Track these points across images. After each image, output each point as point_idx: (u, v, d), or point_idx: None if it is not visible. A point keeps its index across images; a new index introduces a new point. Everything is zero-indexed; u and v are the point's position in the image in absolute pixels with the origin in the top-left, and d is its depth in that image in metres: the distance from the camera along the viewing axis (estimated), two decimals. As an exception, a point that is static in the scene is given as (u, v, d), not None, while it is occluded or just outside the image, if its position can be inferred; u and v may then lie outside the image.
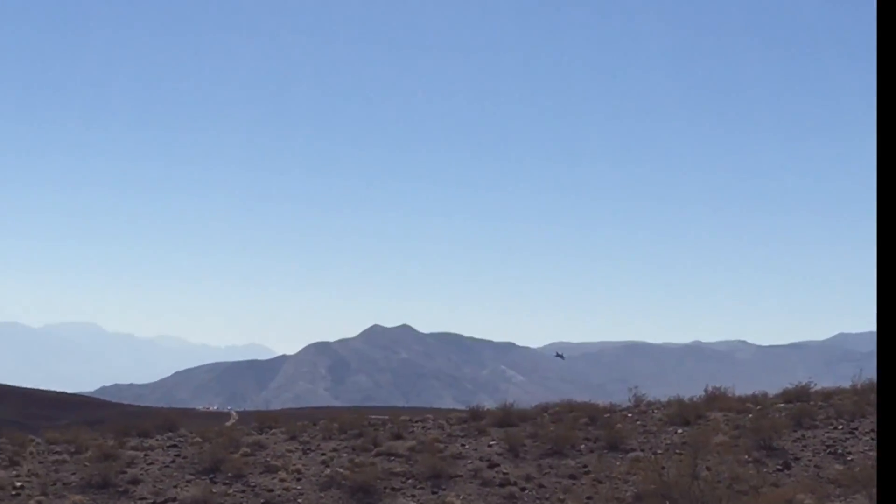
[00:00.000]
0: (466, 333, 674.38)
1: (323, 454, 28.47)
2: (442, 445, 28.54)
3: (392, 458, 27.42)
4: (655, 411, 33.12)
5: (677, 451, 25.83)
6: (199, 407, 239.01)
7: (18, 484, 25.56)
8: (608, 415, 32.99)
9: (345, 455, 28.17)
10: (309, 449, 29.54)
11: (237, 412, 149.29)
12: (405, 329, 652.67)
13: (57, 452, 30.51)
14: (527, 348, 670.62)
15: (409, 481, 24.82)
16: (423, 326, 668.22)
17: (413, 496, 23.60)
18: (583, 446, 27.73)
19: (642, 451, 26.78)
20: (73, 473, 26.68)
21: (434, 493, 23.78)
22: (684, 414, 30.72)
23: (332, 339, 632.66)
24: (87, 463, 27.70)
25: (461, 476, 25.09)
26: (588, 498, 22.39)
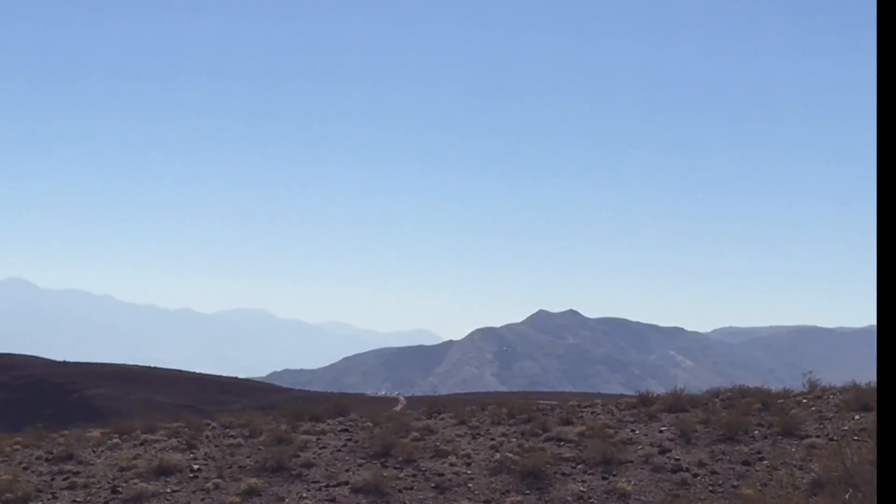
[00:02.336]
0: (633, 318, 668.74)
1: (492, 439, 28.42)
2: (612, 431, 28.23)
3: (562, 443, 27.23)
4: (831, 397, 32.22)
5: (855, 437, 25.09)
6: (368, 392, 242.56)
7: (196, 467, 26.10)
8: (782, 400, 32.24)
9: (514, 440, 28.07)
10: (478, 434, 29.53)
11: (405, 397, 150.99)
12: (571, 314, 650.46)
13: (232, 436, 31.12)
14: (695, 333, 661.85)
15: (580, 466, 24.58)
16: (590, 311, 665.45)
17: (583, 481, 23.34)
18: (756, 432, 27.12)
19: (818, 437, 26.07)
20: (248, 457, 27.12)
21: (604, 478, 23.48)
22: (862, 399, 29.76)
23: (498, 325, 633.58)
24: (261, 447, 28.15)
25: (632, 462, 24.75)
26: (763, 485, 21.82)
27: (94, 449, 30.40)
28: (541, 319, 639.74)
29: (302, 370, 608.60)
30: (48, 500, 23.92)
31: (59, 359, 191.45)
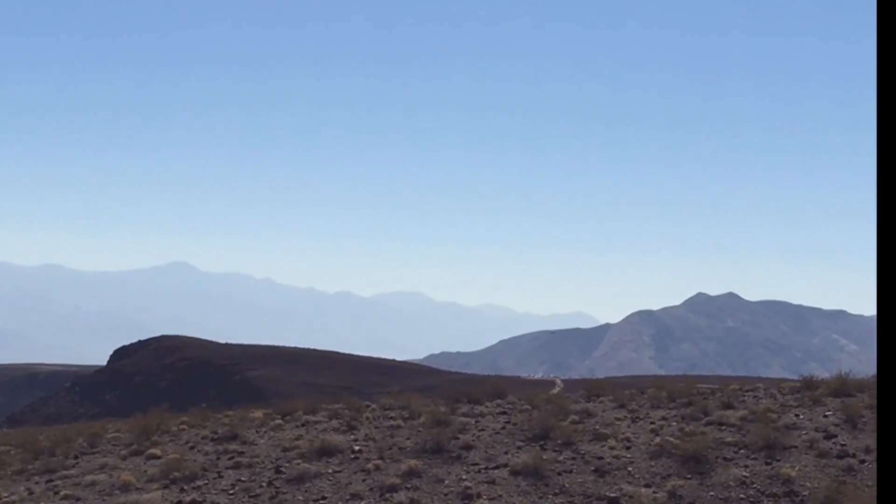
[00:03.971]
0: (794, 301, 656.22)
1: (652, 423, 28.07)
2: (775, 415, 27.60)
3: (723, 427, 26.75)
4: None
5: None
6: (525, 374, 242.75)
7: (357, 448, 26.33)
8: (953, 385, 31.18)
9: (674, 424, 27.68)
10: (637, 417, 29.22)
11: (561, 380, 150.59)
12: (731, 297, 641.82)
13: (391, 418, 31.32)
14: (860, 316, 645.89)
15: (742, 451, 24.10)
16: (750, 294, 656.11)
17: (746, 466, 22.87)
18: (926, 418, 26.23)
19: None
20: (408, 438, 27.25)
21: (768, 463, 22.98)
22: None
23: (655, 308, 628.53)
24: (420, 429, 28.27)
25: (796, 447, 24.16)
26: (934, 472, 21.12)
27: (258, 429, 30.94)
28: (700, 302, 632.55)
29: (459, 353, 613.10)
30: (214, 478, 24.41)
31: (222, 341, 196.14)
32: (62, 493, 24.16)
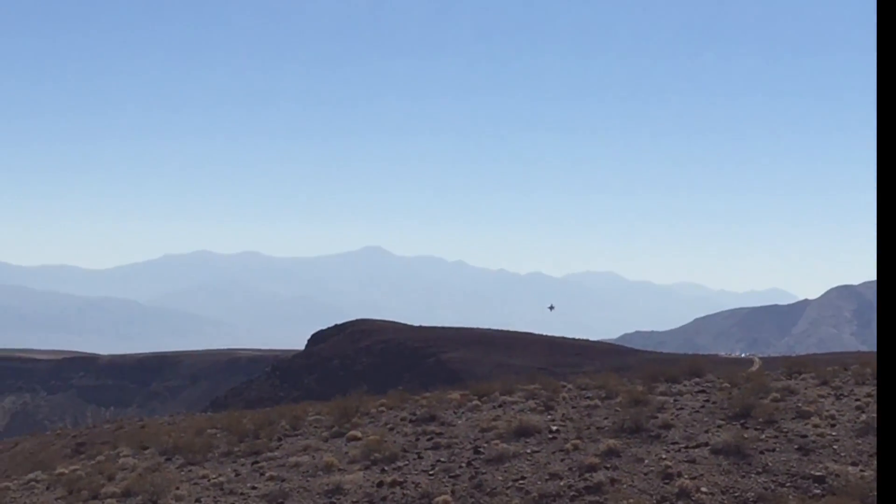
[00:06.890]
0: None
1: (857, 400, 27.25)
2: None
3: (932, 404, 25.83)
4: None
5: None
6: (722, 353, 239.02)
7: (554, 428, 26.31)
8: None
9: (880, 401, 26.84)
10: (842, 394, 28.41)
11: (760, 358, 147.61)
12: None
13: (588, 398, 31.18)
14: None
15: (954, 428, 23.25)
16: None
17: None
18: None
19: None
20: (605, 418, 27.09)
21: (982, 441, 22.10)
22: None
23: (856, 282, 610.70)
24: (617, 408, 28.06)
25: None
26: None
27: (455, 410, 31.17)
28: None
29: (653, 332, 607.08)
30: (414, 459, 24.73)
31: (416, 324, 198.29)
32: (267, 475, 24.85)
